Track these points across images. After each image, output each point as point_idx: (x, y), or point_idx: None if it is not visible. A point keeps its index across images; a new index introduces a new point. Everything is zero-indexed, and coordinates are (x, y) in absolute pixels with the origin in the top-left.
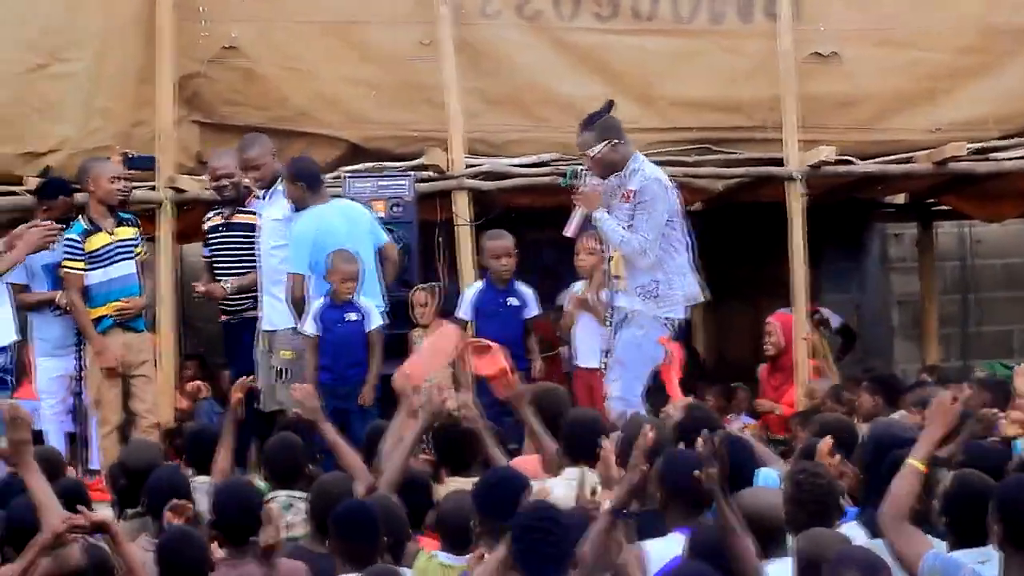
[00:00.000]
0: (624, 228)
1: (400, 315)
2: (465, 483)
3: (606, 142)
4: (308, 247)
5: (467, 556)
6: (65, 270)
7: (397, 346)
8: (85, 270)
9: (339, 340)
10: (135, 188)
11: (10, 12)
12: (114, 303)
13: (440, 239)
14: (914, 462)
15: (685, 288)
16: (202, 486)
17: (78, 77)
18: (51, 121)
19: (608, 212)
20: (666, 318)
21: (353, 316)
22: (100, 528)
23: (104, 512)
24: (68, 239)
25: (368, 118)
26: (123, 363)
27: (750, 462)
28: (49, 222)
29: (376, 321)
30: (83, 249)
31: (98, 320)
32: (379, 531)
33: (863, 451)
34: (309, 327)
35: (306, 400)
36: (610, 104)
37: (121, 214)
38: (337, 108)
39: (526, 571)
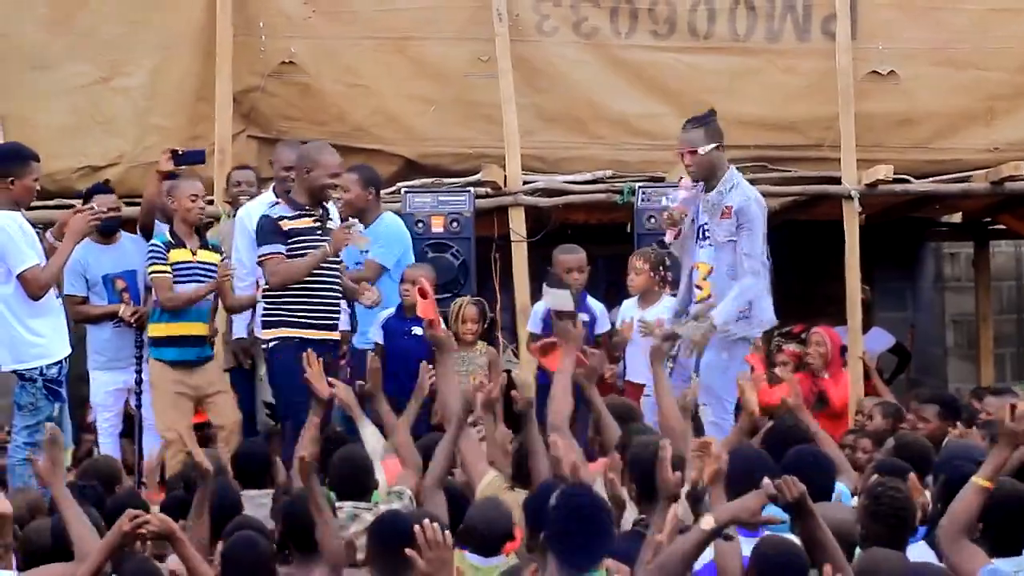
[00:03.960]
0: (726, 243)
1: None
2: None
3: (715, 145)
4: (402, 248)
5: (497, 559)
6: (152, 275)
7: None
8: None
9: (401, 352)
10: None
11: (72, 26)
12: (170, 324)
13: (496, 255)
14: (979, 480)
15: (767, 310)
16: (255, 499)
17: (136, 91)
18: (110, 135)
19: (706, 227)
20: (751, 338)
21: (418, 330)
22: (165, 533)
23: (170, 519)
24: (153, 245)
25: (424, 134)
26: (194, 389)
27: (830, 477)
28: (91, 207)
29: None
30: (167, 257)
31: (158, 340)
32: (414, 544)
33: (935, 471)
34: (374, 334)
35: (371, 374)
36: (713, 112)
37: (209, 240)
38: (394, 124)
39: (561, 555)
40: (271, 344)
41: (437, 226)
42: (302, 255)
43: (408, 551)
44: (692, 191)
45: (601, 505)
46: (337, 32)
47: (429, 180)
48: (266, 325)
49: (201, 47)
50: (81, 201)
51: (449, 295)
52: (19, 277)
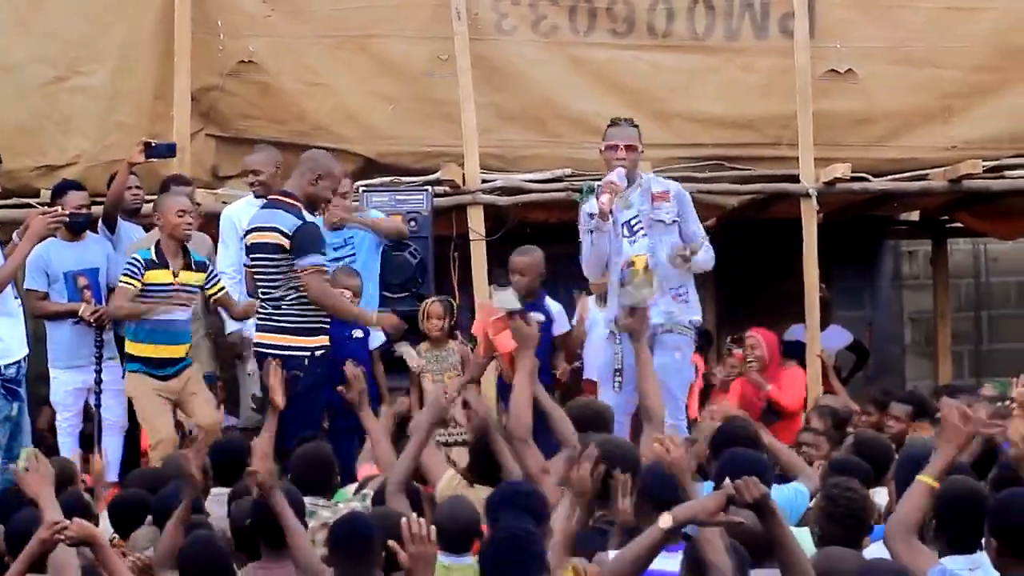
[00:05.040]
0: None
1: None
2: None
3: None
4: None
5: (467, 557)
6: (120, 284)
7: (399, 361)
8: (137, 294)
9: (347, 358)
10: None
11: (31, 26)
12: (151, 345)
13: (455, 254)
14: (925, 479)
15: (697, 302)
16: (218, 496)
17: (95, 91)
18: (69, 134)
19: (634, 221)
20: (691, 322)
21: (358, 333)
22: (86, 540)
23: (91, 525)
24: (133, 259)
25: (383, 133)
26: (172, 393)
27: (765, 479)
28: (56, 208)
29: (380, 339)
30: (142, 275)
31: (130, 357)
32: (375, 546)
33: (897, 470)
34: None
35: (358, 380)
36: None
37: (194, 256)
38: (353, 123)
39: None
40: (318, 352)
41: None
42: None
43: (391, 543)
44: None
45: (533, 541)
46: (296, 31)
47: (387, 179)
48: (307, 332)
49: (160, 46)
50: (49, 199)
51: (407, 294)
52: None
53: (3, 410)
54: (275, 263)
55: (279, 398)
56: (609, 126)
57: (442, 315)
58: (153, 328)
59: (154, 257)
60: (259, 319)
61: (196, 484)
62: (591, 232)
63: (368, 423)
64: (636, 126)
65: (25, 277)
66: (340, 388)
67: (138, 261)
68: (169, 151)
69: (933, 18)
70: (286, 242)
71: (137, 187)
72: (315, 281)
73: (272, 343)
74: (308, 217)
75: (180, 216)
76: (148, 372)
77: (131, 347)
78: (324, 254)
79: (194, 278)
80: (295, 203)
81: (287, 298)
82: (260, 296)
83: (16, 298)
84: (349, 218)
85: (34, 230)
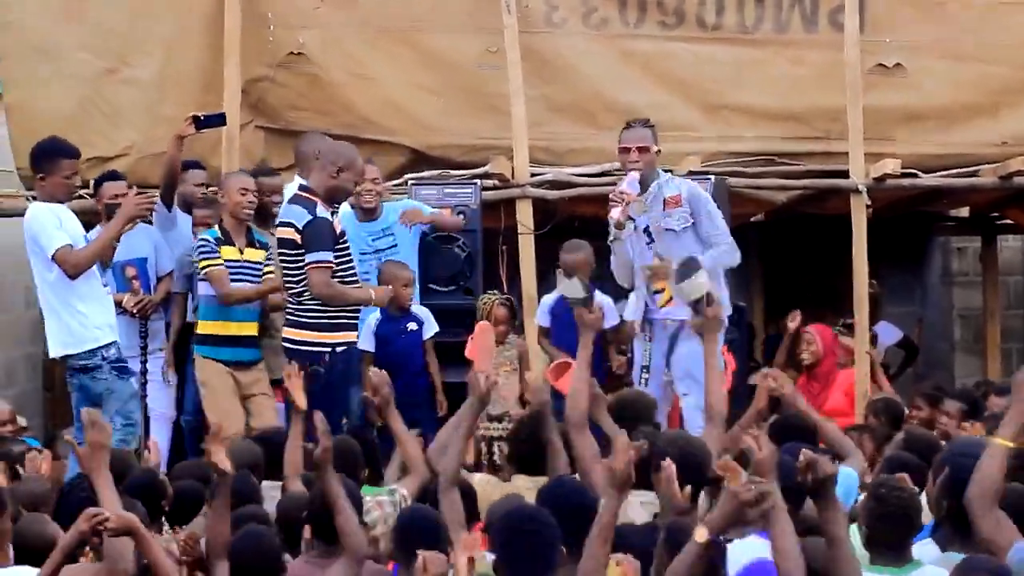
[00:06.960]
0: (683, 231)
1: (453, 321)
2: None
3: (658, 148)
4: None
5: None
6: (208, 269)
7: (455, 353)
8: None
9: (402, 352)
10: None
11: (80, 17)
12: (223, 322)
13: (503, 247)
14: (1000, 440)
15: (726, 296)
16: (267, 490)
17: (145, 83)
18: (118, 126)
19: (649, 228)
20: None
21: (413, 326)
22: (127, 530)
23: (131, 516)
24: (203, 239)
25: (433, 125)
26: (242, 388)
27: None
28: (144, 191)
29: (434, 328)
30: (218, 251)
31: (201, 339)
32: (443, 540)
33: (939, 467)
34: (365, 343)
35: (382, 386)
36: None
37: (256, 235)
38: (402, 115)
39: (509, 572)
40: (339, 348)
41: None
42: (345, 259)
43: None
44: (636, 186)
45: (545, 526)
46: (346, 23)
47: (436, 172)
48: (328, 328)
49: (208, 37)
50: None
51: (455, 288)
52: (53, 259)
53: (125, 390)
54: (292, 258)
55: (301, 401)
56: (623, 129)
57: (507, 320)
58: (221, 308)
59: (220, 235)
60: (286, 314)
61: (225, 476)
62: (611, 242)
63: (394, 426)
64: (652, 126)
65: None
66: (365, 395)
67: (209, 241)
68: (220, 120)
69: (984, 13)
70: (299, 237)
71: (205, 185)
72: (316, 277)
73: (294, 339)
74: (320, 212)
75: (243, 195)
76: (219, 357)
77: (204, 326)
78: (330, 250)
79: (258, 255)
80: (311, 197)
81: (305, 293)
82: (286, 291)
83: (105, 285)
84: (422, 219)
85: (125, 211)
